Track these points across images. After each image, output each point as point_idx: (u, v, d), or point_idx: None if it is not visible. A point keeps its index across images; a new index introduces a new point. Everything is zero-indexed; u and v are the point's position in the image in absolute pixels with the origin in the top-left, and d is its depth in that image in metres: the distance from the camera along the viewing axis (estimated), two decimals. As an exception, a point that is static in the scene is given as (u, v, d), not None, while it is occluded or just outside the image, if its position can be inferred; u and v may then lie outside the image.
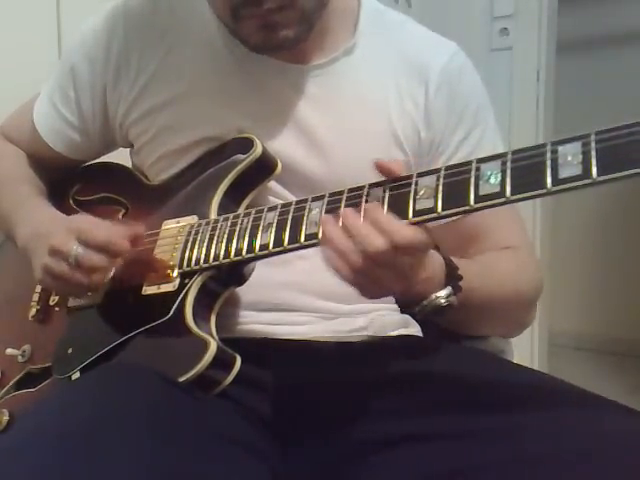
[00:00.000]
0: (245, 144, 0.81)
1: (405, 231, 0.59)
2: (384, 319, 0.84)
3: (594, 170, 0.53)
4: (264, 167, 0.81)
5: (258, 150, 0.79)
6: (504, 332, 0.87)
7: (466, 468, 0.61)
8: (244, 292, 0.80)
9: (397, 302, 0.73)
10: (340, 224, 0.62)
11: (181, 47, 0.84)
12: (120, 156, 0.97)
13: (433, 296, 0.70)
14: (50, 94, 0.93)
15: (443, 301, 0.70)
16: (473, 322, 0.83)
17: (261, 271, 0.76)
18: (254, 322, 0.80)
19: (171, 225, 0.80)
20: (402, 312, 0.84)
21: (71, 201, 0.94)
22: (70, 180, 0.97)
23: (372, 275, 0.61)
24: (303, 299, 0.80)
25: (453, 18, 2.26)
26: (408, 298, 0.71)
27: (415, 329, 0.88)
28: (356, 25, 0.85)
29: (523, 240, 0.88)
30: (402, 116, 0.84)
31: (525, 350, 2.22)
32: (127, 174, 0.93)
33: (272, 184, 0.83)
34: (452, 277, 0.71)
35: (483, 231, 0.85)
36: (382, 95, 0.84)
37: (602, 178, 0.52)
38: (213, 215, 0.78)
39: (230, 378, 0.69)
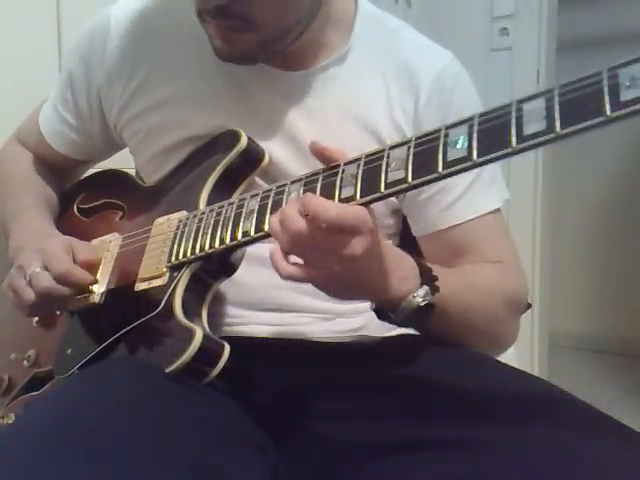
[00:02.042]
0: (230, 138, 0.81)
1: (324, 206, 0.58)
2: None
3: (557, 124, 0.52)
4: (250, 159, 0.81)
5: (243, 142, 0.80)
6: (484, 347, 0.85)
7: (464, 477, 0.61)
8: (243, 293, 0.80)
9: (375, 312, 0.72)
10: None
11: (172, 51, 0.85)
12: (124, 159, 0.98)
13: (410, 296, 0.68)
14: (53, 98, 0.96)
15: (421, 300, 0.68)
16: (453, 333, 0.80)
17: (260, 272, 0.76)
18: (253, 322, 0.80)
19: (161, 221, 0.81)
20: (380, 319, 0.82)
21: (75, 209, 0.97)
22: (76, 190, 1.00)
23: (304, 257, 0.61)
24: (302, 300, 0.81)
25: (453, 18, 2.26)
26: (384, 302, 0.70)
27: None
28: (350, 32, 0.84)
29: (510, 256, 0.87)
30: (390, 125, 0.83)
31: (525, 350, 2.22)
32: (126, 179, 0.94)
33: (260, 183, 0.83)
34: (427, 278, 0.71)
35: (470, 245, 0.84)
36: (371, 104, 0.83)
37: (565, 131, 0.52)
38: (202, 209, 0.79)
39: (219, 367, 0.69)
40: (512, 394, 0.68)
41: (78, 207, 0.97)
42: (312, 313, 0.82)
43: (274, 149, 0.82)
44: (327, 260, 0.61)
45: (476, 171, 0.83)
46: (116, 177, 0.96)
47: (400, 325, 0.72)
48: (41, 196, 0.96)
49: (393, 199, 0.84)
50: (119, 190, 0.93)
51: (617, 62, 0.54)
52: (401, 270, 0.68)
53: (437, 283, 0.71)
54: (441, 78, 0.84)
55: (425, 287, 0.69)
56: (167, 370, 0.67)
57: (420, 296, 0.69)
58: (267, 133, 0.82)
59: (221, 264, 0.76)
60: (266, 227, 0.67)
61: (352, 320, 0.83)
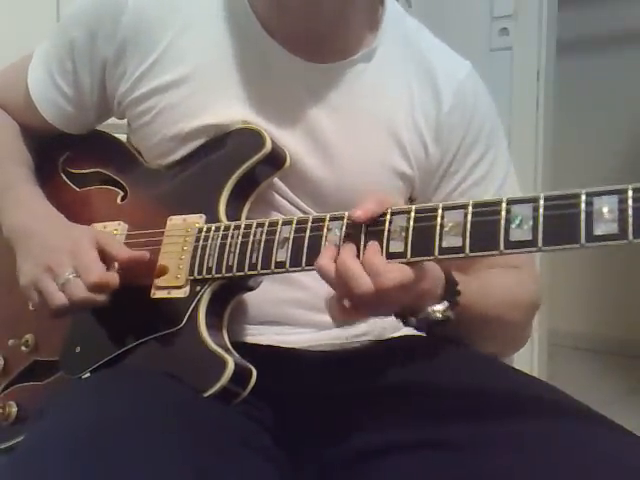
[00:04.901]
0: (253, 138, 0.78)
1: (394, 275, 0.61)
2: (385, 321, 0.84)
3: (630, 230, 0.51)
4: (272, 162, 0.79)
5: (267, 147, 0.77)
6: (499, 350, 0.85)
7: (466, 478, 0.61)
8: (249, 308, 0.79)
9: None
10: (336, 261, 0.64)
11: (194, 28, 0.81)
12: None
13: (429, 309, 0.69)
14: (47, 61, 0.88)
15: (439, 315, 0.69)
16: (470, 338, 0.81)
17: (265, 287, 0.75)
18: (256, 334, 0.79)
19: (177, 222, 0.78)
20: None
21: (62, 173, 0.90)
22: (58, 145, 0.92)
23: (360, 311, 0.64)
24: (308, 316, 0.79)
25: (453, 18, 2.26)
26: (403, 310, 0.70)
27: (417, 328, 0.88)
28: (378, 28, 0.83)
29: (526, 259, 0.86)
30: (411, 127, 0.82)
31: (525, 350, 2.21)
32: (122, 150, 0.88)
33: (275, 179, 0.80)
34: (450, 292, 0.70)
35: None
36: (394, 104, 0.82)
37: (638, 241, 0.51)
38: (222, 216, 0.76)
39: (247, 391, 0.70)
40: (513, 394, 0.69)
41: (65, 170, 0.90)
42: (315, 328, 0.80)
43: (290, 141, 0.80)
44: (372, 309, 0.65)
45: (499, 183, 0.85)
46: (111, 144, 0.89)
47: (416, 329, 0.73)
48: (28, 167, 0.89)
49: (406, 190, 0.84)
50: (116, 163, 0.87)
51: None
52: (425, 283, 0.68)
53: (459, 298, 0.71)
54: (462, 89, 0.84)
55: (445, 302, 0.70)
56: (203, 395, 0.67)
57: (439, 311, 0.69)
58: (285, 123, 0.80)
59: (243, 283, 0.74)
60: (304, 263, 0.67)
61: (356, 326, 0.82)
